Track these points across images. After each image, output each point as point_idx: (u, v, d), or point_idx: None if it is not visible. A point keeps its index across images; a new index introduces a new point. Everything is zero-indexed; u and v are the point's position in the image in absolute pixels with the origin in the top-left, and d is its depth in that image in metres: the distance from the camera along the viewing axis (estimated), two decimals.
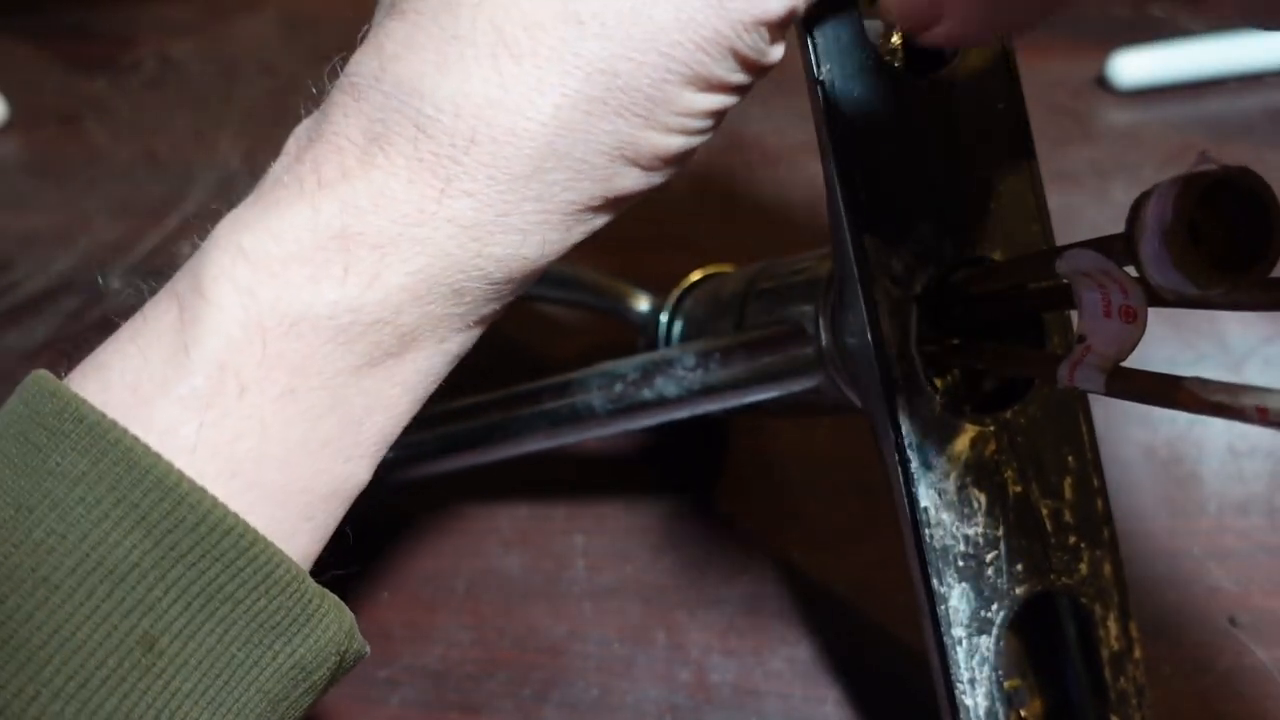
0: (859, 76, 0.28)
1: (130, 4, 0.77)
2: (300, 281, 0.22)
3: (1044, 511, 0.29)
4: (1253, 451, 0.43)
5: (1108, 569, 0.30)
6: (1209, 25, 0.61)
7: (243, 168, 0.61)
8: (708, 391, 0.34)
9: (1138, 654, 0.30)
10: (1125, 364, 0.22)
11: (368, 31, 0.24)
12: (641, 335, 0.44)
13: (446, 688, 0.38)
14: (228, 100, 0.67)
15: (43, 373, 0.22)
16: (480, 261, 0.23)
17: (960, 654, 0.29)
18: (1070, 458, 0.30)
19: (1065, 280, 0.23)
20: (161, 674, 0.20)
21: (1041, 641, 0.31)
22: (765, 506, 0.43)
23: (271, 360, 0.21)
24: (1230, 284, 0.18)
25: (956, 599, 0.28)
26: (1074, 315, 0.24)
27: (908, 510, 0.28)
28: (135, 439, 0.20)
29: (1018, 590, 0.29)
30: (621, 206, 0.24)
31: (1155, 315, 0.22)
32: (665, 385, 0.34)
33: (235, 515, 0.21)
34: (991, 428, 0.29)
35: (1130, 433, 0.44)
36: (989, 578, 0.29)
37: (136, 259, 0.56)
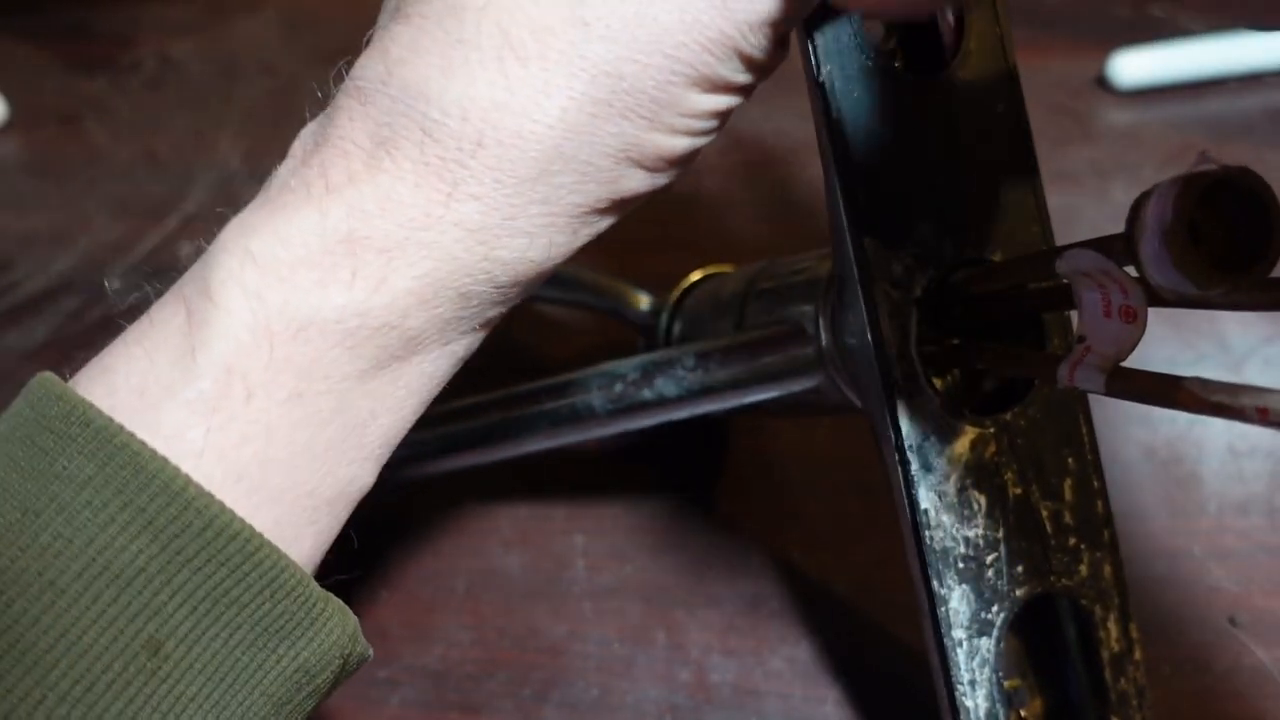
0: (859, 77, 0.28)
1: (130, 4, 0.77)
2: (308, 286, 0.22)
3: (1044, 513, 0.29)
4: (1253, 451, 0.43)
5: (1108, 570, 0.30)
6: (1209, 25, 0.61)
7: (243, 168, 0.61)
8: (708, 391, 0.34)
9: (1138, 655, 0.30)
10: (1125, 364, 0.22)
11: (372, 36, 0.24)
12: (641, 335, 0.44)
13: (446, 688, 0.38)
14: (228, 100, 0.67)
15: (49, 375, 0.22)
16: (487, 265, 0.23)
17: (960, 655, 0.29)
18: (1070, 459, 0.30)
19: (1065, 280, 0.23)
20: (166, 678, 0.20)
21: (1042, 642, 0.31)
22: (765, 506, 0.43)
23: (279, 364, 0.21)
24: (1230, 284, 0.18)
25: (957, 601, 0.28)
26: (1074, 315, 0.24)
27: (908, 512, 0.28)
28: (142, 443, 0.20)
29: (1018, 592, 0.29)
30: (627, 208, 0.24)
31: (1155, 315, 0.22)
32: (665, 385, 0.34)
33: (241, 520, 0.21)
34: (991, 429, 0.29)
35: (1130, 433, 0.44)
36: (989, 579, 0.29)
37: (136, 259, 0.56)
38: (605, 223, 0.24)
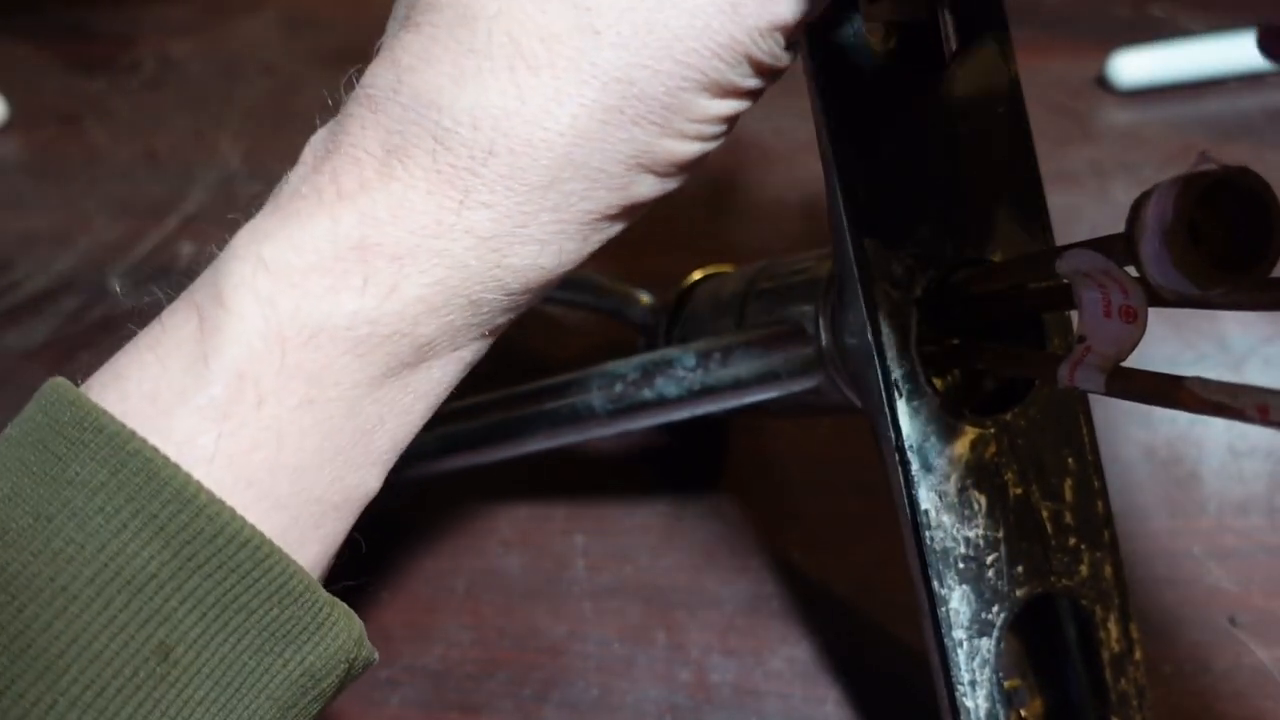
0: (859, 78, 0.28)
1: (130, 4, 0.77)
2: (320, 292, 0.22)
3: (1044, 513, 0.29)
4: (1253, 451, 0.43)
5: (1108, 571, 0.30)
6: (1209, 25, 0.61)
7: (243, 168, 0.61)
8: (708, 391, 0.34)
9: (1138, 655, 0.30)
10: (1125, 364, 0.22)
11: (381, 44, 0.24)
12: (642, 335, 0.44)
13: (446, 688, 0.38)
14: (228, 100, 0.67)
15: (61, 381, 0.22)
16: (498, 273, 0.23)
17: (961, 656, 0.29)
18: (1070, 459, 0.30)
19: (1065, 280, 0.23)
20: (175, 683, 0.20)
21: (1042, 642, 0.31)
22: (765, 506, 0.43)
23: (290, 371, 0.21)
24: (1230, 284, 0.18)
25: (957, 601, 0.28)
26: (1074, 315, 0.24)
27: (908, 512, 0.28)
28: (154, 449, 0.21)
29: (1018, 592, 0.29)
30: (637, 214, 0.24)
31: (1155, 315, 0.22)
32: (665, 385, 0.34)
33: (251, 526, 0.21)
34: (992, 429, 0.29)
35: (1130, 433, 0.44)
36: (989, 580, 0.29)
37: (136, 259, 0.56)
38: (616, 229, 0.24)
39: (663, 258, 0.45)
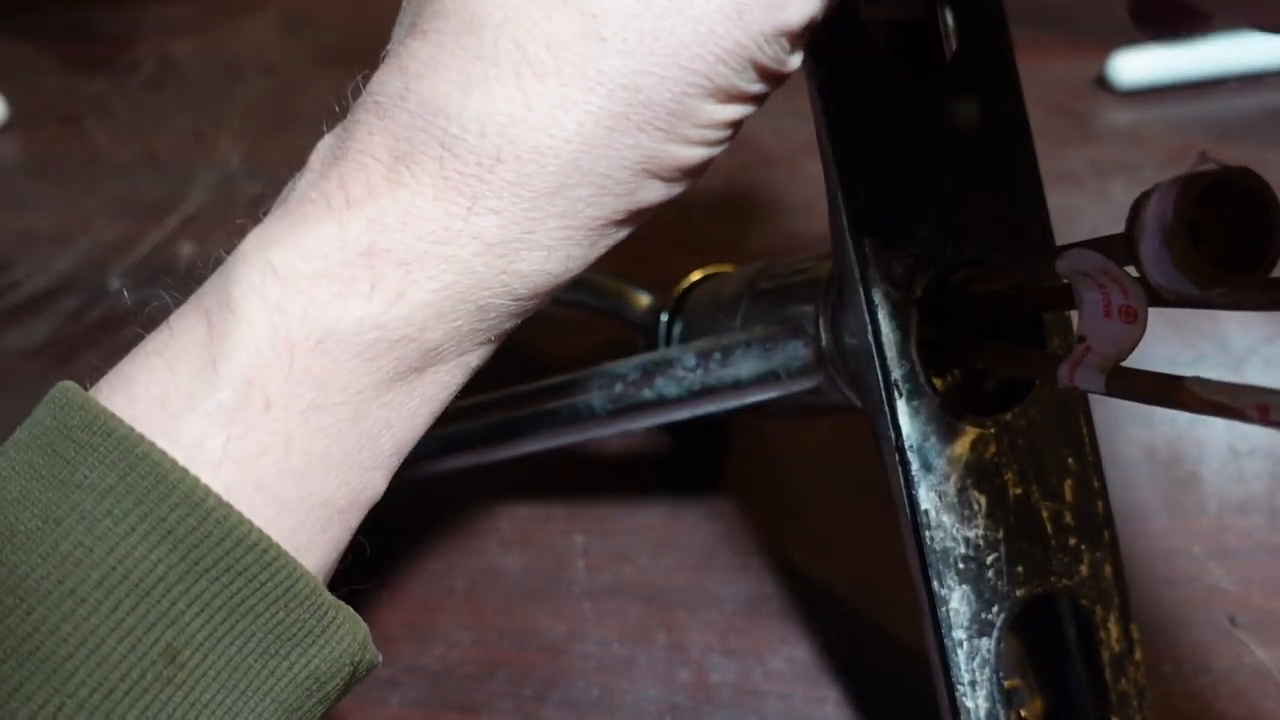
0: (859, 78, 0.28)
1: (130, 4, 0.77)
2: (328, 298, 0.22)
3: (1044, 513, 0.29)
4: (1253, 451, 0.43)
5: (1108, 571, 0.30)
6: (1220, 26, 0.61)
7: (243, 168, 0.62)
8: (708, 392, 0.34)
9: (1138, 656, 0.30)
10: (1125, 364, 0.22)
11: (388, 51, 0.24)
12: (642, 335, 0.44)
13: (446, 688, 0.38)
14: (228, 100, 0.67)
15: (70, 384, 0.22)
16: (505, 278, 0.23)
17: (961, 656, 0.29)
18: (1071, 459, 0.30)
19: (1065, 280, 0.23)
20: (182, 685, 0.20)
21: (1042, 642, 0.31)
22: (765, 506, 0.43)
23: (298, 376, 0.22)
24: (1230, 284, 0.18)
25: (957, 601, 0.28)
26: (1074, 315, 0.24)
27: (908, 512, 0.28)
28: (163, 453, 0.21)
29: (1018, 592, 0.29)
30: (642, 219, 0.24)
31: (1155, 315, 0.22)
32: (665, 385, 0.34)
33: (259, 530, 0.21)
34: (992, 429, 0.29)
35: (1130, 433, 0.44)
36: (989, 580, 0.29)
37: (136, 259, 0.56)
38: (621, 234, 0.24)
39: (663, 258, 0.45)
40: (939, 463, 0.28)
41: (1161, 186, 0.19)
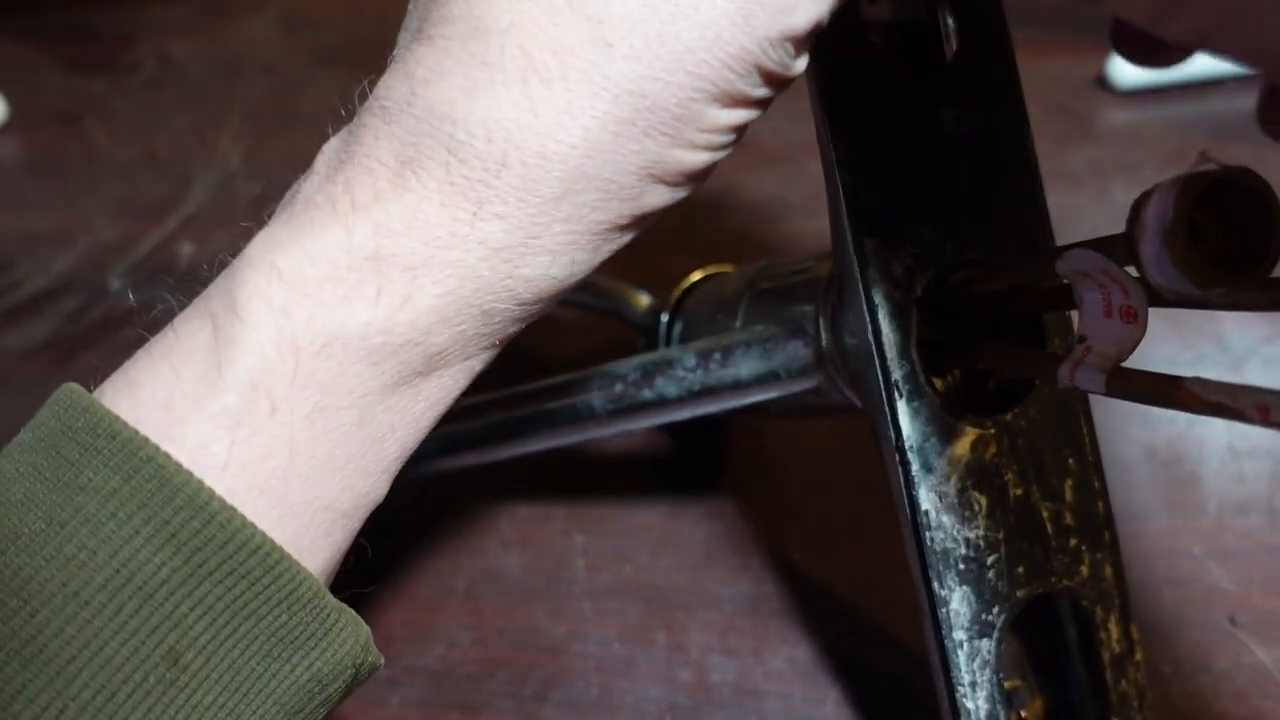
0: (859, 78, 0.28)
1: (130, 4, 0.77)
2: (334, 302, 0.22)
3: (1045, 514, 0.29)
4: (1253, 451, 0.43)
5: (1109, 571, 0.30)
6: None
7: (243, 168, 0.61)
8: (708, 392, 0.34)
9: (1139, 656, 0.30)
10: (1125, 364, 0.22)
11: (394, 56, 0.24)
12: (642, 335, 0.44)
13: (446, 688, 0.38)
14: (228, 100, 0.67)
15: (74, 386, 0.22)
16: (510, 283, 0.23)
17: (961, 657, 0.29)
18: (1071, 460, 0.30)
19: (1066, 281, 0.23)
20: (185, 688, 0.21)
21: (1042, 642, 0.31)
22: (765, 506, 0.43)
23: (303, 380, 0.22)
24: (1230, 284, 0.18)
25: (957, 602, 0.28)
26: (1074, 316, 0.24)
27: (908, 513, 0.28)
28: (167, 456, 0.21)
29: (1019, 593, 0.29)
30: (647, 223, 0.24)
31: (1155, 315, 0.22)
32: (665, 386, 0.34)
33: (263, 534, 0.21)
34: (992, 430, 0.29)
35: (1130, 433, 0.44)
36: (990, 581, 0.29)
37: (136, 259, 0.56)
38: (626, 238, 0.24)
39: (663, 258, 0.45)
40: (939, 463, 0.28)
41: (1161, 186, 0.19)
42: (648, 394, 0.35)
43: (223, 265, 0.23)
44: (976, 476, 0.29)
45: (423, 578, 0.41)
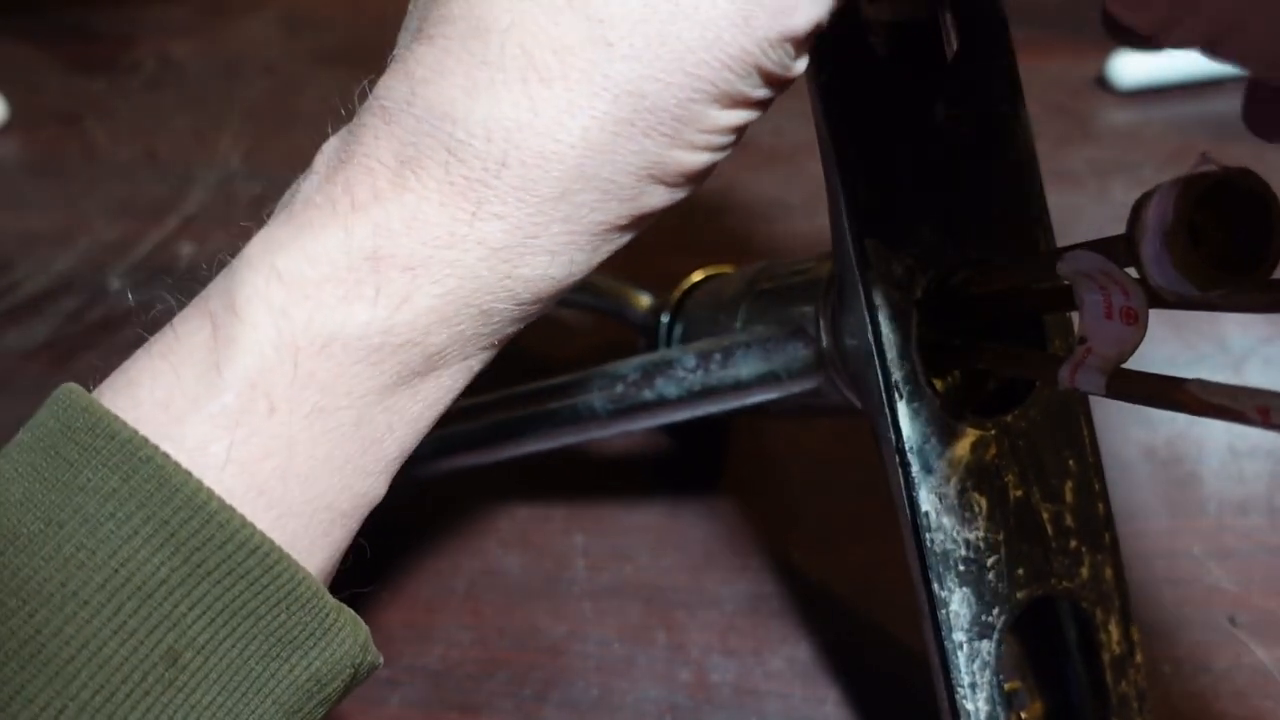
0: (859, 78, 0.28)
1: (130, 4, 0.77)
2: (333, 303, 0.22)
3: (1045, 515, 0.29)
4: (1253, 451, 0.43)
5: (1109, 573, 0.30)
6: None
7: (243, 168, 0.61)
8: (708, 392, 0.34)
9: (1139, 658, 0.30)
10: (1126, 365, 0.22)
11: (394, 56, 0.24)
12: (642, 336, 0.44)
13: (446, 688, 0.38)
14: (228, 100, 0.67)
15: (73, 386, 0.22)
16: (509, 283, 0.23)
17: (961, 659, 0.29)
18: (1071, 461, 0.30)
19: (1066, 282, 0.23)
20: (183, 688, 0.21)
21: (1042, 644, 0.31)
22: (765, 506, 0.43)
23: (302, 380, 0.22)
24: (1231, 285, 0.18)
25: (957, 604, 0.28)
26: (1075, 317, 0.24)
27: (908, 514, 0.28)
28: (166, 456, 0.21)
29: (1019, 594, 0.29)
30: (646, 224, 0.24)
31: (1156, 316, 0.22)
32: (666, 386, 0.34)
33: (261, 534, 0.21)
34: (992, 431, 0.29)
35: (1130, 433, 0.44)
36: (990, 582, 0.29)
37: (136, 259, 0.56)
38: (625, 239, 0.24)
39: (663, 258, 0.45)
40: (939, 464, 0.28)
41: (1162, 188, 0.19)
42: (648, 394, 0.35)
43: (222, 265, 0.23)
44: (977, 478, 0.29)
45: (423, 578, 0.41)
